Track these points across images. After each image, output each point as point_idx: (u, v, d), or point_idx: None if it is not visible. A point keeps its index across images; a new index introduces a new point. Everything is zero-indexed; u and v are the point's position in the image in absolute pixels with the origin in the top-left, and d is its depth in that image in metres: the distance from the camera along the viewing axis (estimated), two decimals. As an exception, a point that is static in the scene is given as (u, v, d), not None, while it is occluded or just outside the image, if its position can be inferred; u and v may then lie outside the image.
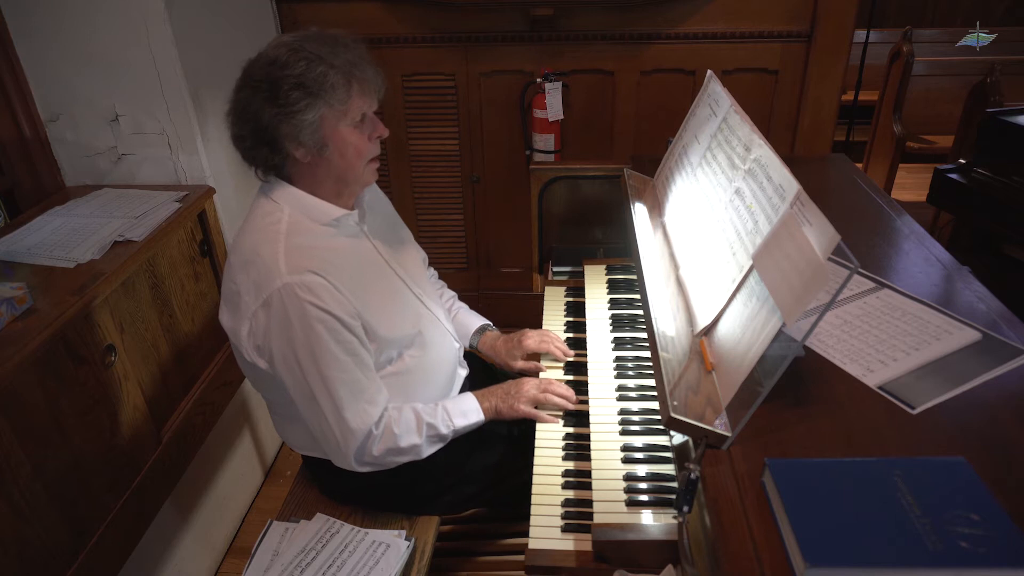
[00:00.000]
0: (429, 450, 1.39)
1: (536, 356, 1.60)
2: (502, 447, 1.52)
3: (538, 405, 1.43)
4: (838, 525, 0.75)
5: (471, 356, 1.72)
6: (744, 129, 1.22)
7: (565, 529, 1.17)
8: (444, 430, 1.38)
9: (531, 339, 1.58)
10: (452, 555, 1.79)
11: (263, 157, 1.26)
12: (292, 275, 1.19)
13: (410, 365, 1.41)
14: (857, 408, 0.99)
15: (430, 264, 1.75)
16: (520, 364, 1.58)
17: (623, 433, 1.29)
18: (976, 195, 2.82)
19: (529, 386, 1.44)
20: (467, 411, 1.42)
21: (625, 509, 1.13)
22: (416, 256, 1.58)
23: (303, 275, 1.20)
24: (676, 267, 1.32)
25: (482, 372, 1.71)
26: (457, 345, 1.58)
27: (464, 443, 1.47)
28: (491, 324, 1.70)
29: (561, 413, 1.43)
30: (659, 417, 1.16)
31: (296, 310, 1.19)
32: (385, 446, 1.32)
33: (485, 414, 1.43)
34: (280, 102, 1.18)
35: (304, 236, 1.26)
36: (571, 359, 1.57)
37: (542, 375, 1.53)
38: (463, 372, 1.61)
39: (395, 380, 1.38)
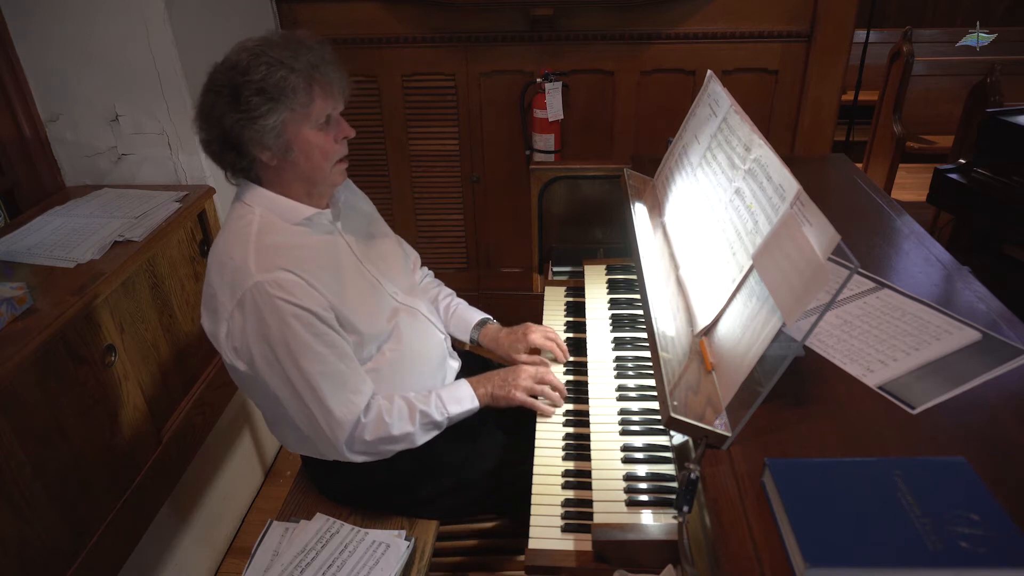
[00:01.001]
0: (424, 438, 1.39)
1: (539, 351, 1.60)
2: (502, 452, 1.51)
3: (532, 396, 1.44)
4: (838, 525, 0.75)
5: (469, 354, 1.72)
6: (744, 129, 1.22)
7: (565, 529, 1.17)
8: (438, 417, 1.39)
9: (535, 334, 1.58)
10: (452, 555, 1.79)
11: (230, 161, 1.28)
12: (262, 274, 1.20)
13: (391, 359, 1.42)
14: (857, 408, 0.99)
15: (423, 264, 1.76)
16: (523, 358, 1.58)
17: (623, 433, 1.29)
18: (976, 195, 2.82)
19: (525, 375, 1.45)
20: (461, 398, 1.43)
21: (625, 509, 1.13)
22: (395, 253, 1.58)
23: (274, 273, 1.21)
24: (676, 267, 1.32)
25: (479, 369, 1.70)
26: (443, 336, 1.58)
27: (463, 446, 1.47)
28: (492, 318, 1.70)
29: (555, 407, 1.43)
30: (659, 417, 1.16)
31: (269, 308, 1.20)
32: (376, 434, 1.32)
33: (480, 400, 1.44)
34: (242, 108, 1.19)
35: (276, 235, 1.28)
36: (571, 359, 1.56)
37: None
38: (455, 364, 1.61)
39: (378, 375, 1.39)
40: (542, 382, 1.44)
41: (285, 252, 1.26)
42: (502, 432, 1.54)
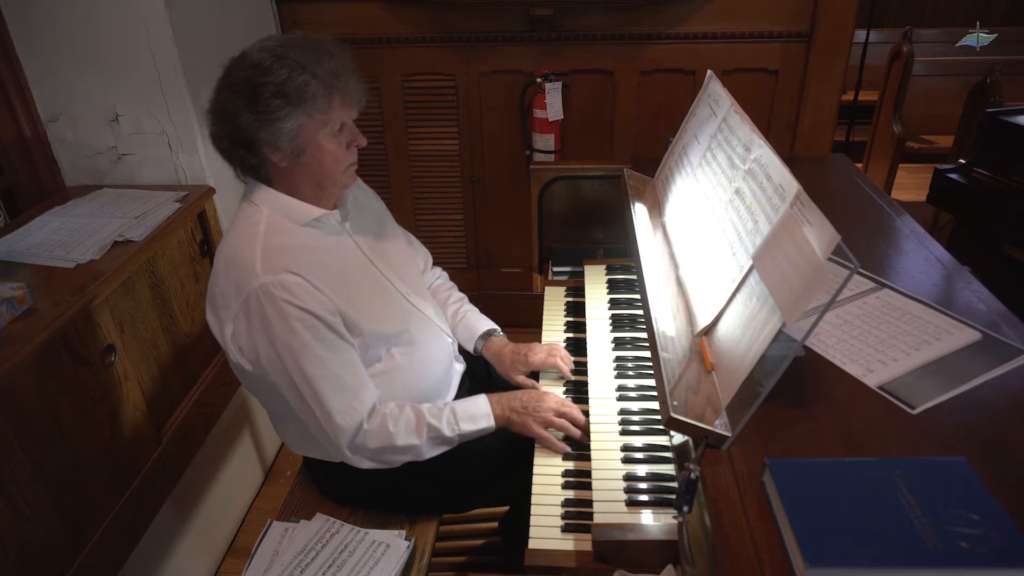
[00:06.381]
0: (432, 452, 1.37)
1: (537, 375, 1.56)
2: (503, 449, 1.50)
3: (549, 427, 1.37)
4: (838, 525, 0.75)
5: (473, 356, 1.71)
6: (744, 129, 1.22)
7: (565, 529, 1.17)
8: (449, 433, 1.35)
9: (538, 355, 1.53)
10: (452, 555, 1.79)
11: (239, 158, 1.28)
12: (268, 275, 1.20)
13: (400, 362, 1.41)
14: (857, 408, 0.99)
15: (436, 264, 1.75)
16: (520, 379, 1.54)
17: (623, 433, 1.29)
18: (976, 195, 2.82)
19: (547, 407, 1.38)
20: (477, 416, 1.38)
21: (625, 509, 1.13)
22: (406, 253, 1.57)
23: (279, 275, 1.21)
24: (676, 267, 1.32)
25: (483, 370, 1.70)
26: (450, 340, 1.57)
27: (465, 447, 1.45)
28: (498, 330, 1.66)
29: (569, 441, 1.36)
30: (659, 417, 1.16)
31: (274, 310, 1.20)
32: (379, 443, 1.31)
33: (496, 421, 1.39)
34: (259, 109, 1.19)
35: (283, 237, 1.28)
36: (571, 359, 1.56)
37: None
38: (460, 367, 1.60)
39: (387, 378, 1.38)
40: (562, 415, 1.37)
41: (291, 254, 1.26)
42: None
